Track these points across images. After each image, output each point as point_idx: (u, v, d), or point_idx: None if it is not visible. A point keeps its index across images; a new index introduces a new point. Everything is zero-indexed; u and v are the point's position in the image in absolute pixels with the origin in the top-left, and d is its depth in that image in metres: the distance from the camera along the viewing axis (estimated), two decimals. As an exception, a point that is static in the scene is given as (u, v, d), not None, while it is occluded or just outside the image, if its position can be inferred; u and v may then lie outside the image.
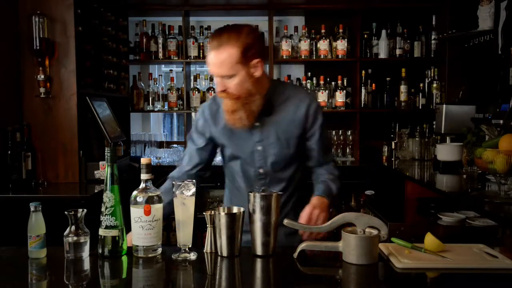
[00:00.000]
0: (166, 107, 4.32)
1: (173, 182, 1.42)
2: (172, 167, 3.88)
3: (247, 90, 1.67)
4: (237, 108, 1.69)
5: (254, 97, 1.70)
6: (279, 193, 1.45)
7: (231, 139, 1.82)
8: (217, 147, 1.91)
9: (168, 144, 4.49)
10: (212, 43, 1.63)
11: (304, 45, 4.18)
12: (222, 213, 1.39)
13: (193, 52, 4.20)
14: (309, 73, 4.32)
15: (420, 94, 4.25)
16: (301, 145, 1.82)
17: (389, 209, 2.65)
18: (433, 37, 4.20)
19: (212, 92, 4.21)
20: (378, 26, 4.26)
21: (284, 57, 4.21)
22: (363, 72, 4.20)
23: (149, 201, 1.38)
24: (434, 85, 4.18)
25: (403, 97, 4.22)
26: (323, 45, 4.18)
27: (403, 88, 4.21)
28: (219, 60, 1.62)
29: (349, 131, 4.29)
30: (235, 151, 1.83)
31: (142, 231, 1.38)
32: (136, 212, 1.38)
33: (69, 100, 2.91)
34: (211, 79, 4.31)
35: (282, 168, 1.81)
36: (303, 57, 4.21)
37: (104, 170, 2.59)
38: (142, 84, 4.34)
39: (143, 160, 1.41)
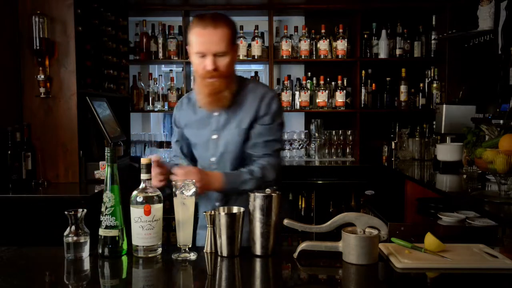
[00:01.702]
0: (166, 107, 4.32)
1: (173, 182, 1.42)
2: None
3: (232, 71, 1.79)
4: (223, 88, 1.75)
5: (234, 79, 1.81)
6: (279, 193, 1.45)
7: (191, 127, 1.90)
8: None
9: (168, 144, 4.48)
10: (206, 21, 1.69)
11: (304, 45, 4.18)
12: (222, 213, 1.39)
13: (193, 52, 4.19)
14: (309, 73, 4.32)
15: (420, 94, 4.25)
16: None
17: (389, 209, 2.66)
18: (433, 37, 4.20)
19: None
20: (378, 26, 4.26)
21: (284, 57, 4.21)
22: (363, 72, 4.20)
23: (149, 201, 1.38)
24: (434, 85, 4.18)
25: (403, 97, 4.22)
26: (323, 45, 4.18)
27: (403, 88, 4.21)
28: (217, 37, 1.68)
29: (349, 131, 4.29)
30: (194, 139, 1.90)
31: (142, 231, 1.38)
32: (136, 212, 1.38)
33: (69, 100, 2.91)
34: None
35: (233, 158, 1.80)
36: (303, 57, 4.21)
37: (104, 170, 2.58)
38: (142, 84, 4.34)
39: (143, 160, 1.41)
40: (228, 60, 1.72)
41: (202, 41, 1.70)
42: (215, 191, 1.77)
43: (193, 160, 1.97)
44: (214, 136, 1.83)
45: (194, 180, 1.45)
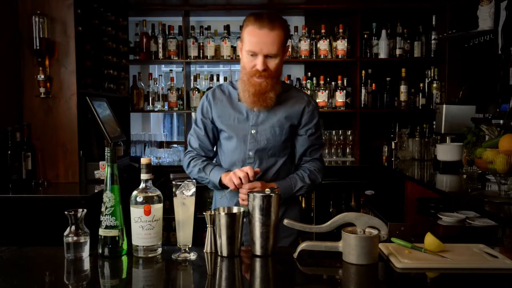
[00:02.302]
0: (166, 107, 4.32)
1: (173, 182, 1.42)
2: (172, 167, 3.95)
3: (280, 73, 1.84)
4: (269, 89, 1.79)
5: (279, 81, 1.86)
6: (279, 193, 1.45)
7: (228, 120, 1.91)
8: (216, 130, 1.98)
9: (168, 144, 4.49)
10: (263, 22, 1.73)
11: (304, 45, 4.18)
12: (222, 213, 1.39)
13: (193, 52, 4.20)
14: (309, 73, 4.32)
15: (420, 94, 4.25)
16: (292, 137, 1.92)
17: (389, 209, 2.66)
18: (433, 37, 4.20)
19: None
20: (378, 26, 4.26)
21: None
22: (363, 72, 4.20)
23: (149, 201, 1.38)
24: (434, 85, 4.18)
25: (403, 97, 4.22)
26: (323, 45, 4.18)
27: (403, 88, 4.21)
28: (272, 39, 1.73)
29: (349, 131, 4.29)
30: (231, 131, 1.91)
31: (142, 231, 1.38)
32: (136, 212, 1.38)
33: (69, 100, 2.91)
34: (211, 79, 4.31)
35: (270, 155, 1.90)
36: (303, 57, 4.21)
37: (104, 170, 2.59)
38: (142, 84, 4.34)
39: (143, 160, 1.41)
40: (278, 61, 1.77)
41: (256, 41, 1.73)
42: None
43: (208, 154, 2.00)
44: (253, 131, 1.88)
45: (194, 181, 1.45)
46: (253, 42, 1.74)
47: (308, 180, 1.90)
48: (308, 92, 4.21)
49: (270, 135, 1.87)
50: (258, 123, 1.88)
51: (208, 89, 4.23)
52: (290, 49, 4.18)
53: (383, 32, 4.17)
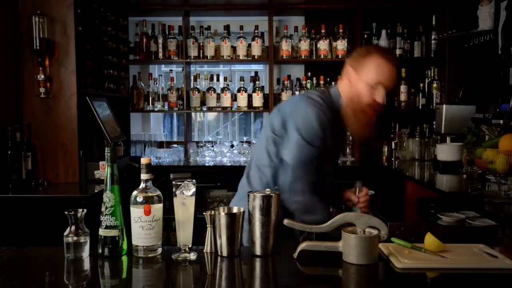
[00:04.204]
0: (166, 107, 4.32)
1: (173, 182, 1.42)
2: (172, 167, 3.95)
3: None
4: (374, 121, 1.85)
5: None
6: (278, 193, 1.45)
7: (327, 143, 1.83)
8: None
9: (168, 144, 4.49)
10: (390, 57, 1.83)
11: (304, 45, 4.18)
12: (222, 213, 1.39)
13: (193, 52, 4.20)
14: (309, 73, 4.32)
15: (420, 94, 4.25)
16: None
17: (389, 209, 2.66)
18: (433, 37, 4.20)
19: (212, 92, 4.21)
20: (378, 26, 4.26)
21: (284, 57, 4.21)
22: (363, 72, 4.19)
23: (149, 201, 1.38)
24: (434, 85, 4.18)
25: (403, 97, 4.22)
26: (323, 45, 4.18)
27: (403, 88, 4.21)
28: (395, 75, 1.82)
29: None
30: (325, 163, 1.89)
31: (142, 231, 1.38)
32: (136, 212, 1.38)
33: (69, 100, 2.91)
34: (211, 79, 4.31)
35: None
36: (303, 57, 4.21)
37: (104, 170, 2.58)
38: (142, 84, 4.34)
39: (143, 160, 1.41)
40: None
41: (387, 75, 1.79)
42: None
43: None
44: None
45: (194, 181, 1.44)
46: (384, 75, 1.80)
47: None
48: (308, 92, 4.21)
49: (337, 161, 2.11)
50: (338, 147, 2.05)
51: (208, 89, 4.25)
52: (290, 49, 4.19)
53: (383, 32, 4.17)
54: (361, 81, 1.79)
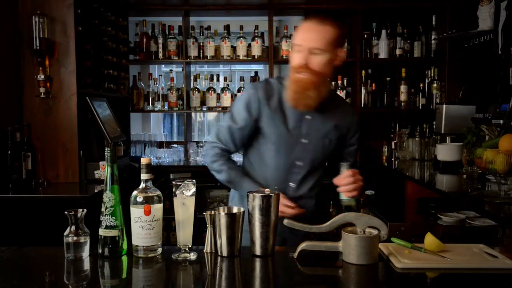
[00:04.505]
0: (166, 107, 4.32)
1: (173, 182, 1.42)
2: (172, 167, 3.95)
3: (323, 73, 1.74)
4: (311, 87, 1.71)
5: (324, 82, 1.78)
6: (278, 193, 1.45)
7: (275, 124, 1.80)
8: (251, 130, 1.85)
9: (168, 144, 4.49)
10: (314, 19, 1.72)
11: (304, 45, 4.17)
12: (222, 213, 1.39)
13: (193, 52, 4.20)
14: (309, 73, 4.31)
15: (420, 94, 4.25)
16: (336, 149, 1.89)
17: (389, 209, 2.66)
18: (433, 37, 4.20)
19: (212, 92, 4.21)
20: (378, 26, 4.25)
21: (284, 57, 4.21)
22: (363, 72, 4.20)
23: (149, 201, 1.38)
24: (434, 85, 4.18)
25: (403, 97, 4.22)
26: (323, 45, 4.17)
27: (403, 88, 4.21)
28: (318, 33, 1.69)
29: (349, 131, 4.28)
30: (276, 138, 1.81)
31: (142, 231, 1.38)
32: (136, 212, 1.38)
33: (69, 100, 2.91)
34: (211, 79, 4.31)
35: (318, 164, 1.87)
36: (303, 57, 4.20)
37: (104, 170, 2.59)
38: (142, 84, 4.34)
39: (143, 160, 1.41)
40: (321, 59, 1.70)
41: (302, 35, 1.72)
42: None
43: (232, 150, 1.91)
44: (304, 141, 1.82)
45: (194, 181, 1.44)
46: (300, 36, 1.72)
47: None
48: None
49: (320, 146, 1.83)
50: (310, 133, 1.81)
51: (208, 89, 4.25)
52: (290, 49, 4.19)
53: (383, 32, 4.17)
54: (292, 49, 1.77)
